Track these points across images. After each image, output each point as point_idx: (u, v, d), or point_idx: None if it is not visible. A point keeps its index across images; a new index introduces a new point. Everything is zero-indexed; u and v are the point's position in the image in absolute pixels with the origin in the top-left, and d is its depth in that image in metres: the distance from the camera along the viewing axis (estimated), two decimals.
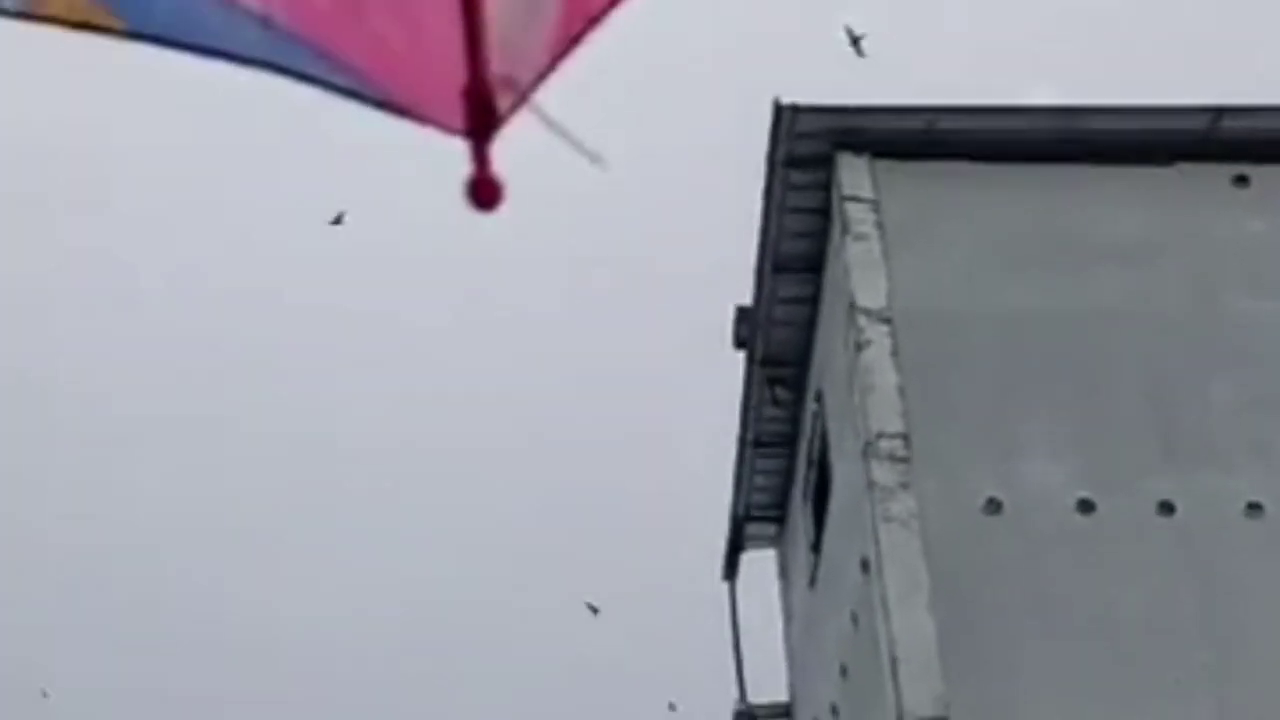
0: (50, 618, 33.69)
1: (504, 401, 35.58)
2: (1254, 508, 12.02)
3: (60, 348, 35.17)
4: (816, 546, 14.82)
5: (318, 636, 33.69)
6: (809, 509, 15.34)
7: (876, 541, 11.89)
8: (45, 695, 27.19)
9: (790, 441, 15.87)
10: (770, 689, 17.06)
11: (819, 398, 14.42)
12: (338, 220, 20.57)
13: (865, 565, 12.27)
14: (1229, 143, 13.03)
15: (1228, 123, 12.99)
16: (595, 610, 22.31)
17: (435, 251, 32.49)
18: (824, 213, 13.66)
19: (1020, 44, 29.78)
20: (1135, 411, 12.37)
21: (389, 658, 34.32)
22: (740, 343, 15.37)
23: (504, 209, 2.59)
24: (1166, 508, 12.02)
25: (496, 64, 2.57)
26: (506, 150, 2.64)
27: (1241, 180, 13.15)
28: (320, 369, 35.76)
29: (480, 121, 2.56)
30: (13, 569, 31.84)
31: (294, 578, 34.56)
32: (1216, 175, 13.07)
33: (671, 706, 21.06)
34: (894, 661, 11.48)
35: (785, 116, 13.18)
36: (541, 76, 2.61)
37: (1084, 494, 12.05)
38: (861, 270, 12.72)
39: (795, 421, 15.57)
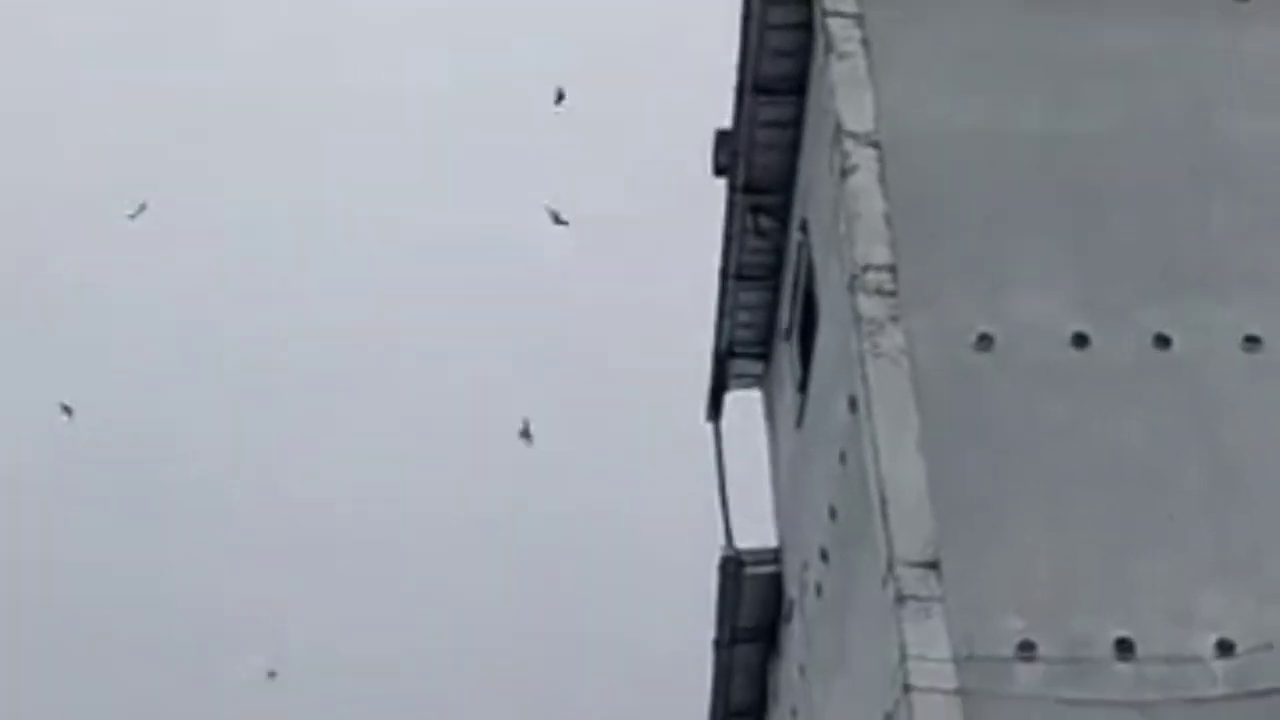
0: None
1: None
2: (1252, 340, 11.91)
3: None
4: (803, 386, 14.59)
5: None
6: (795, 346, 15.18)
7: (865, 379, 11.80)
8: None
9: (774, 274, 15.56)
10: (759, 535, 16.74)
11: (804, 227, 14.21)
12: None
13: (853, 404, 12.11)
14: None
15: None
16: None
17: None
18: (807, 28, 13.38)
19: None
20: (1130, 239, 12.21)
21: None
22: (720, 169, 14.90)
23: None
24: (1162, 340, 11.90)
25: None
26: None
27: None
28: None
29: None
30: None
31: None
32: None
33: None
34: (883, 504, 11.40)
35: None
36: None
37: (1078, 327, 11.91)
38: (847, 90, 12.48)
39: (779, 252, 15.31)
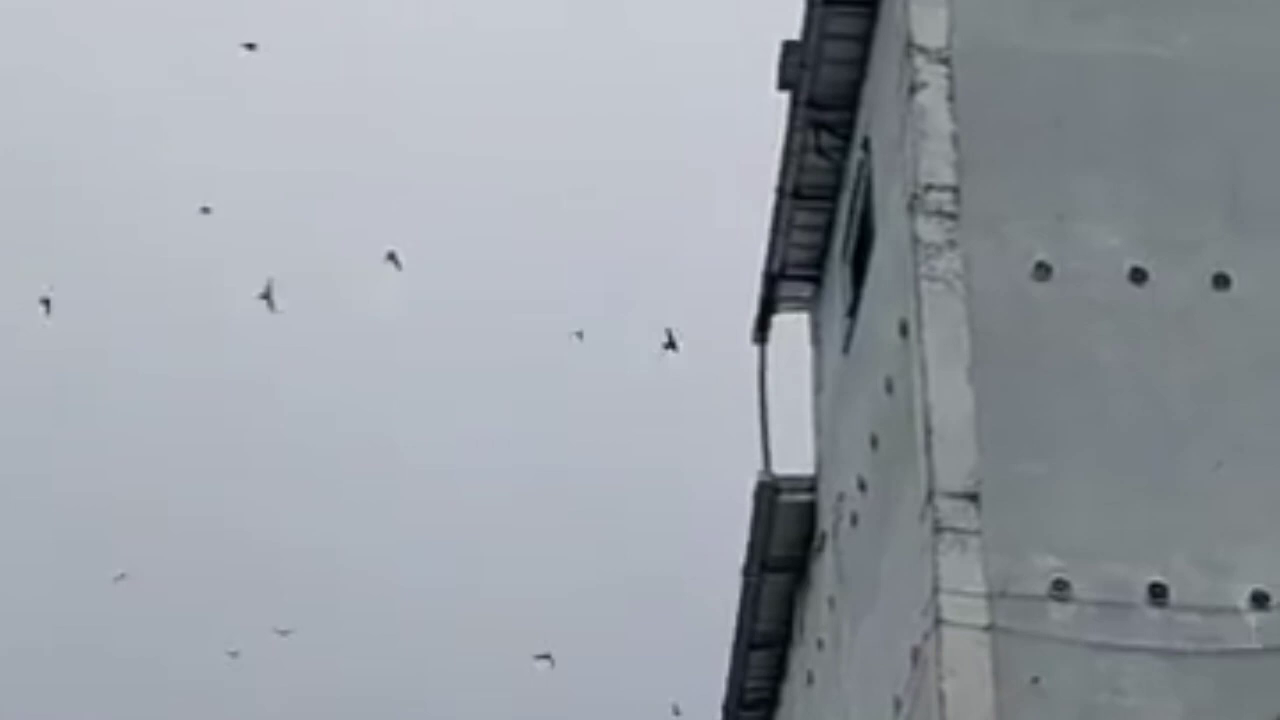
0: None
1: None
2: None
3: None
4: (853, 310, 14.62)
5: None
6: (847, 269, 15.21)
7: (918, 300, 11.89)
8: None
9: (832, 195, 15.50)
10: (798, 463, 16.72)
11: (866, 145, 14.24)
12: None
13: (904, 328, 12.22)
14: None
15: None
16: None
17: None
18: None
19: None
20: (1199, 175, 12.20)
21: None
22: (785, 83, 14.84)
23: None
24: (1222, 281, 11.92)
25: None
26: None
27: None
28: None
29: None
30: None
31: None
32: None
33: None
34: (928, 432, 11.49)
35: None
36: None
37: (1137, 262, 11.94)
38: (920, 4, 12.48)
39: (839, 173, 15.29)
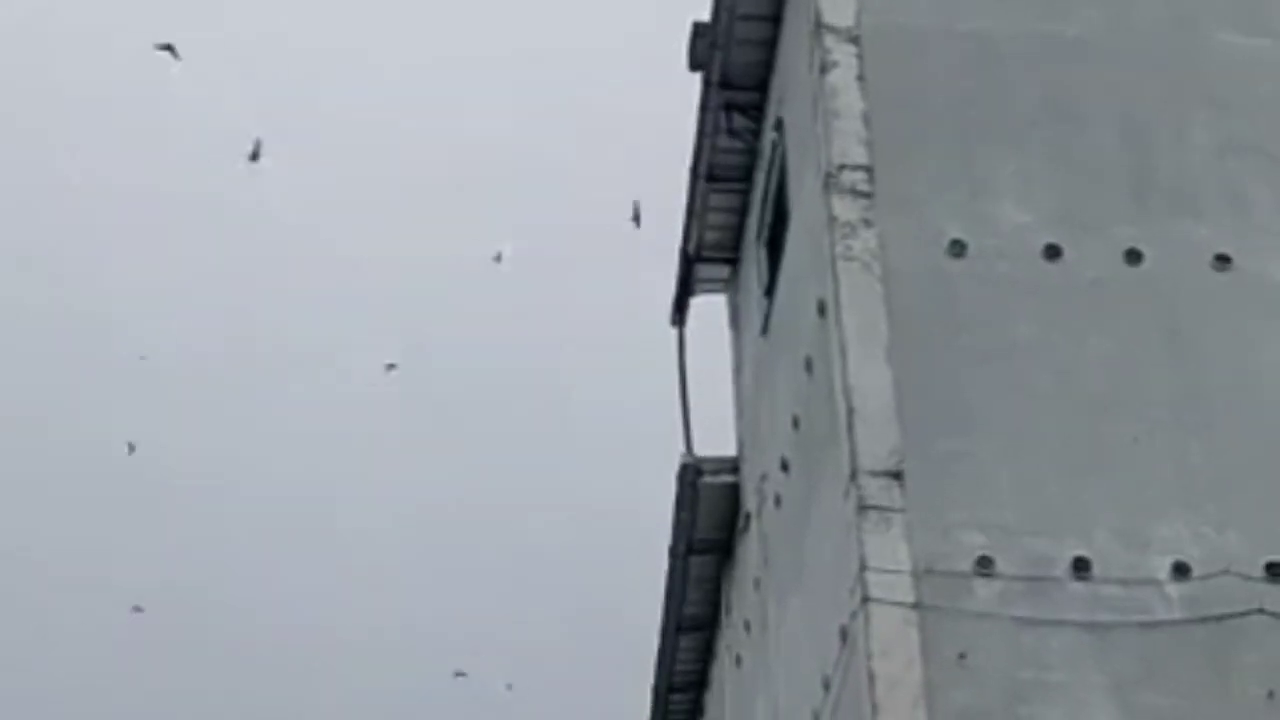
0: None
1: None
2: (1222, 259, 12.08)
3: None
4: (770, 291, 14.68)
5: None
6: (763, 250, 15.29)
7: (835, 281, 11.97)
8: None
9: (746, 176, 15.52)
10: (720, 444, 16.76)
11: (779, 126, 14.32)
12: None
13: (822, 308, 12.22)
14: None
15: None
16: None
17: None
18: None
19: None
20: (1108, 153, 12.36)
21: None
22: (696, 64, 14.83)
23: None
24: (1134, 256, 12.06)
25: None
26: None
27: None
28: None
29: None
30: None
31: None
32: None
33: None
34: (850, 413, 11.54)
35: None
36: None
37: (1051, 239, 12.05)
38: None
39: (752, 154, 15.28)
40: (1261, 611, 10.98)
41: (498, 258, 24.72)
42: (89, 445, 32.80)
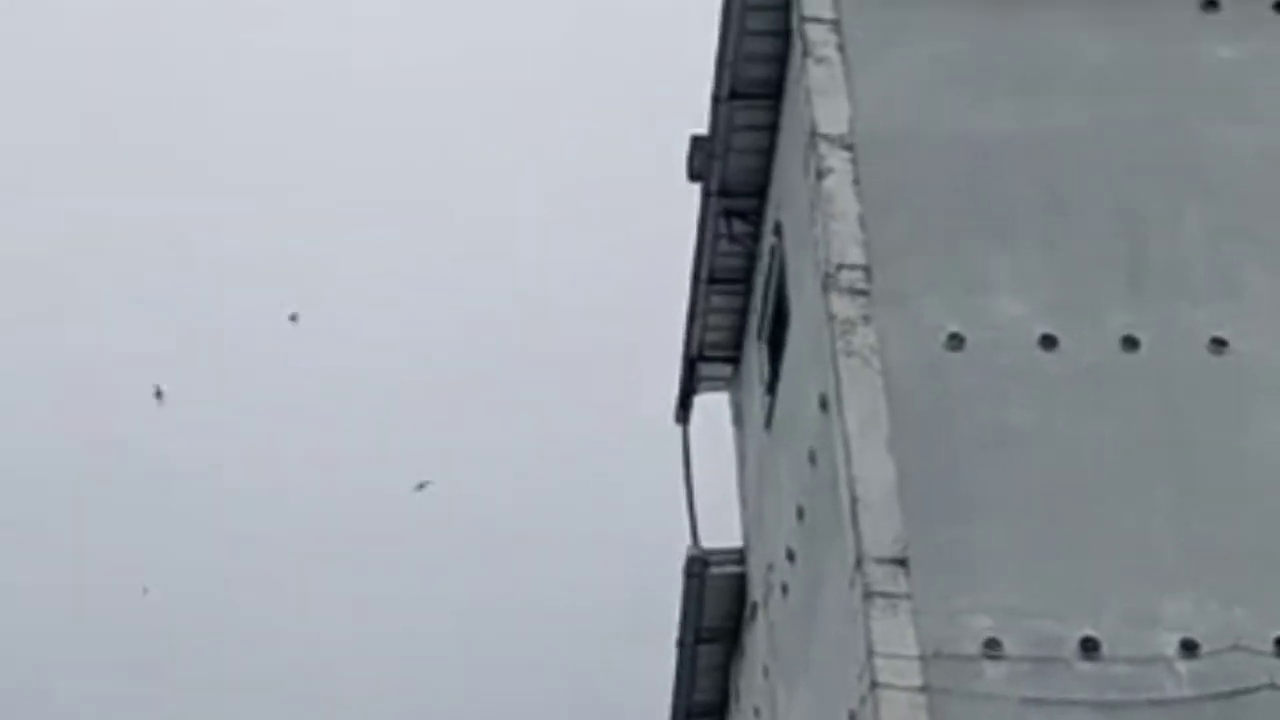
0: None
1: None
2: (1218, 343, 12.24)
3: None
4: (772, 387, 14.90)
5: None
6: (765, 348, 15.48)
7: (837, 376, 12.13)
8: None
9: (746, 278, 15.80)
10: (725, 537, 16.99)
11: (778, 230, 14.52)
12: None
13: (824, 403, 12.43)
14: None
15: None
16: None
17: None
18: (784, 35, 13.74)
19: None
20: (1101, 243, 12.57)
21: None
22: (695, 175, 15.14)
23: None
24: (1130, 343, 12.25)
25: None
26: None
27: (1211, 4, 13.34)
28: None
29: None
30: None
31: None
32: None
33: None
34: (854, 502, 11.70)
35: None
36: None
37: (1047, 329, 12.25)
38: (823, 95, 12.89)
39: (752, 257, 15.59)
40: (1272, 686, 11.06)
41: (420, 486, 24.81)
42: None
